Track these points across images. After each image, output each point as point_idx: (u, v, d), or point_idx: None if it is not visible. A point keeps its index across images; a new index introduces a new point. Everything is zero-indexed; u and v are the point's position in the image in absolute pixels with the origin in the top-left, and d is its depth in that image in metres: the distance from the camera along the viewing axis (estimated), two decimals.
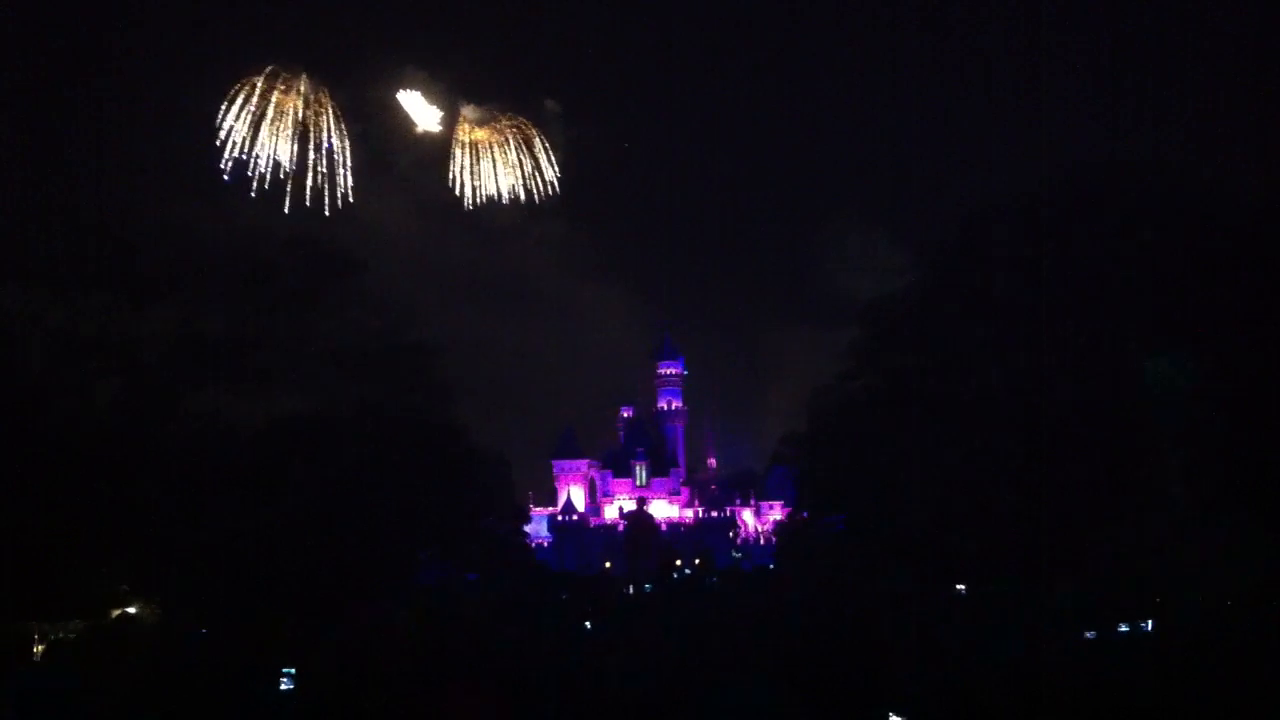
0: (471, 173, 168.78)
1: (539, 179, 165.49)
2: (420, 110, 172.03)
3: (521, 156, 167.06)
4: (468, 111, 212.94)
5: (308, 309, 61.29)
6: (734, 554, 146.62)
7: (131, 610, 62.91)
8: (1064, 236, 53.43)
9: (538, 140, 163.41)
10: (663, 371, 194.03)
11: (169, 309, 59.60)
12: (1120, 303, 52.21)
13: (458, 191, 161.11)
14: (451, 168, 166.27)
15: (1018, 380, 52.96)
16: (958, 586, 69.20)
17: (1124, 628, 61.38)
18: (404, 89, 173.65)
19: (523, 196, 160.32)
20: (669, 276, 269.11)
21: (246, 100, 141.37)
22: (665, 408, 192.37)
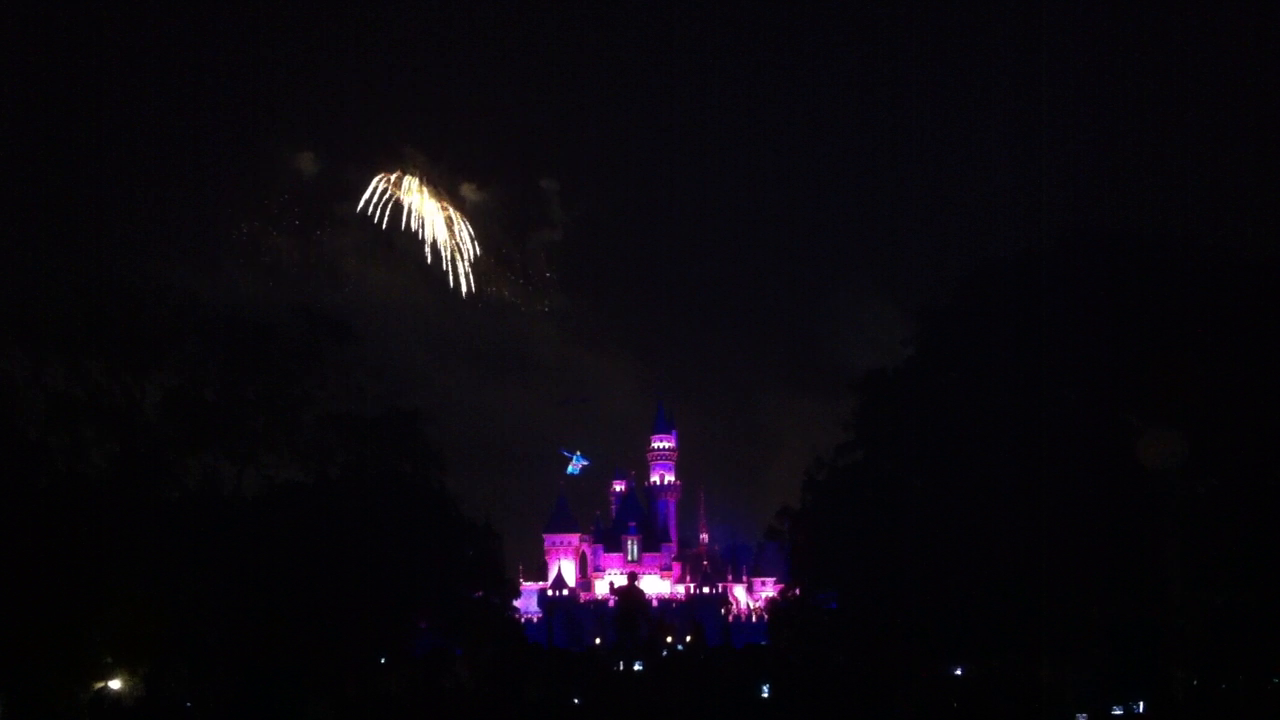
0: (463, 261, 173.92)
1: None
2: (418, 202, 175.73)
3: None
4: (468, 192, 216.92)
5: (304, 375, 61.18)
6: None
7: (115, 684, 61.99)
8: (1061, 303, 53.37)
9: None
10: (655, 445, 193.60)
11: (166, 373, 59.54)
12: (1117, 374, 52.16)
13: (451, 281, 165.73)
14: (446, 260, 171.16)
15: (1015, 455, 52.75)
16: (955, 670, 68.45)
17: (1118, 710, 60.84)
18: (403, 174, 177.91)
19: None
20: (668, 348, 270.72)
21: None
22: (658, 482, 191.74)
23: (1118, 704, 60.64)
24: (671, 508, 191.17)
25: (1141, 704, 60.70)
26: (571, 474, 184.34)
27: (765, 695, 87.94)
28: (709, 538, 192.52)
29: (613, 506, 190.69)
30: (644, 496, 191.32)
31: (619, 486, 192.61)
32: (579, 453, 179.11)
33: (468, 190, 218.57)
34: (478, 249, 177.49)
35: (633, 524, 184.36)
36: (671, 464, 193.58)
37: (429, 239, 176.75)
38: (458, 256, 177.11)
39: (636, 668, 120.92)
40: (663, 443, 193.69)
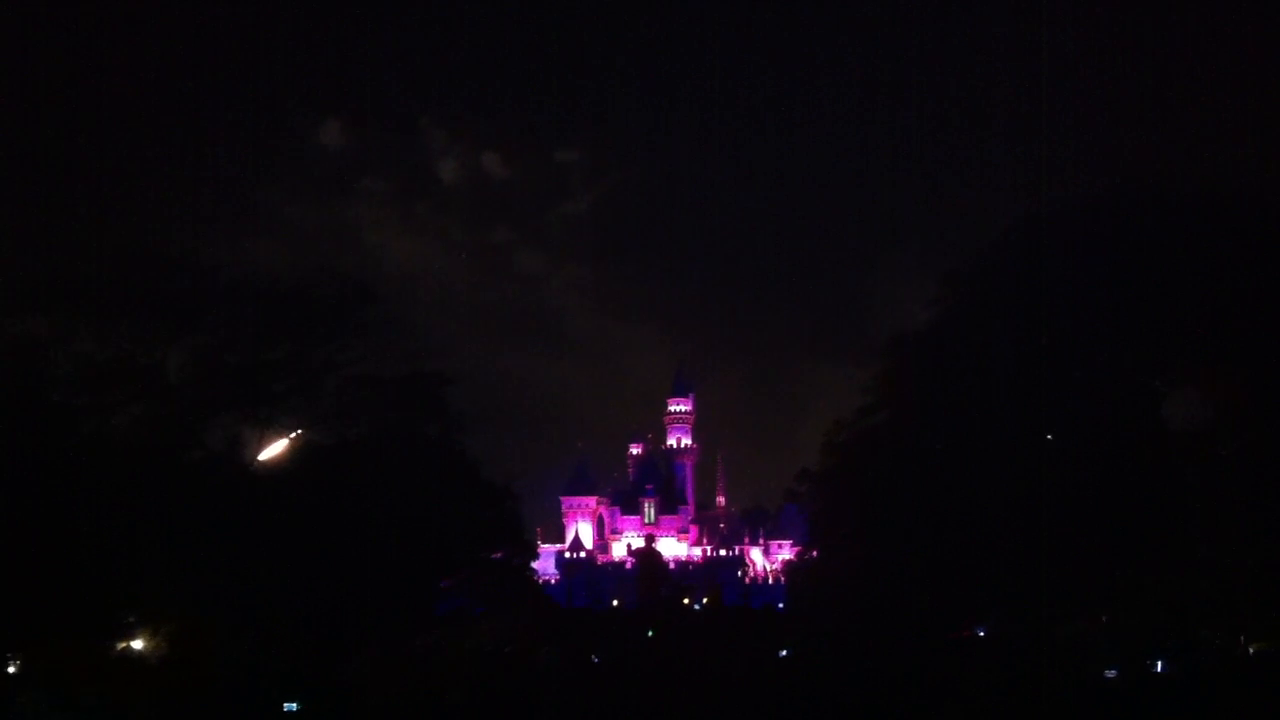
0: None
1: None
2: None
3: None
4: (490, 162, 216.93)
5: (327, 338, 61.41)
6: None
7: (137, 645, 62.63)
8: (1086, 263, 53.21)
9: None
10: (672, 409, 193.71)
11: (192, 337, 59.85)
12: (1143, 331, 52.03)
13: None
14: None
15: (1038, 415, 52.72)
16: (978, 631, 68.67)
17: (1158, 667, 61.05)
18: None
19: None
20: (692, 316, 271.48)
21: None
22: (674, 445, 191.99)
23: (1146, 662, 60.89)
24: (688, 471, 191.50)
25: (1159, 664, 60.98)
26: None
27: (784, 655, 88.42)
28: (725, 501, 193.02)
29: (630, 470, 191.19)
30: (662, 460, 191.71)
31: (636, 450, 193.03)
32: None
33: (491, 161, 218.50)
34: None
35: (650, 487, 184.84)
36: (688, 428, 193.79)
37: None
38: None
39: (655, 628, 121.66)
40: (679, 406, 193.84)
